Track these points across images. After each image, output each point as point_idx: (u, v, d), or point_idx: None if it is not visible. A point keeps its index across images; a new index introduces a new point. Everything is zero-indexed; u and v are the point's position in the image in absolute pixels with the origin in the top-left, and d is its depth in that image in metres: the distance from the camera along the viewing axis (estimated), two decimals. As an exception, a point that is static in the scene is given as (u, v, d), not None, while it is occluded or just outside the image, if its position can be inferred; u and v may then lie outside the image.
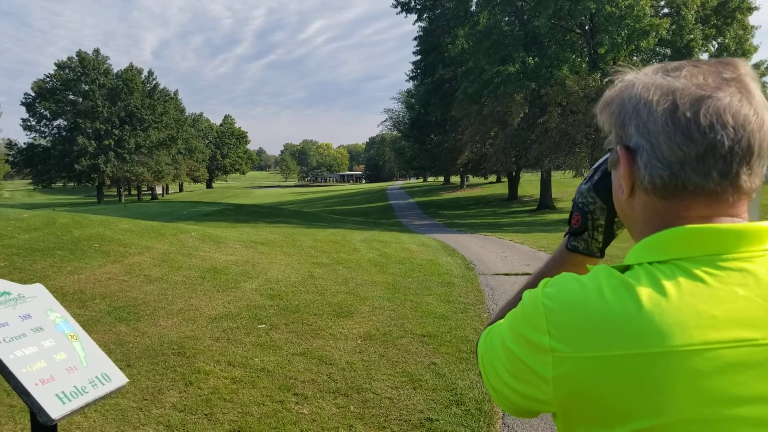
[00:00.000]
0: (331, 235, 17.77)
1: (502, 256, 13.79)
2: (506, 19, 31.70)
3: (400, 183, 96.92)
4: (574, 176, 54.63)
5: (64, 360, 1.87)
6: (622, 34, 25.82)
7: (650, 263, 0.89)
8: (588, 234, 1.18)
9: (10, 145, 64.76)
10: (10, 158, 62.39)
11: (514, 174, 44.33)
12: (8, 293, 1.91)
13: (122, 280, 7.92)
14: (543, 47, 30.07)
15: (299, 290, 8.63)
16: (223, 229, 16.26)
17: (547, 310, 0.89)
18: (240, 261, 10.46)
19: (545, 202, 37.37)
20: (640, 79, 0.94)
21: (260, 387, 4.88)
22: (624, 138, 0.94)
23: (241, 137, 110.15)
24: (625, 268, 0.92)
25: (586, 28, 29.48)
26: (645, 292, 0.84)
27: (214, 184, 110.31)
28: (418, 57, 45.28)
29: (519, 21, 30.99)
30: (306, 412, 4.44)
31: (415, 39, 44.75)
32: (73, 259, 8.57)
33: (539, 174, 41.47)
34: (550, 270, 1.25)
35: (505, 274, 11.08)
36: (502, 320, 1.05)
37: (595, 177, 1.16)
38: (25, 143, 66.00)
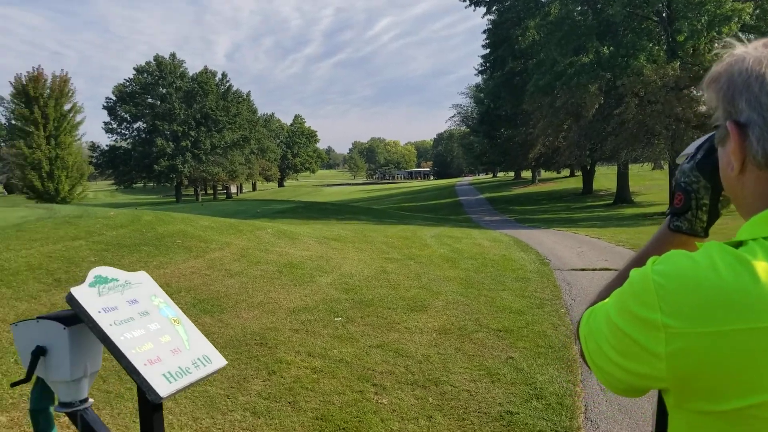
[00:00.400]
0: (402, 231, 17.85)
1: (578, 251, 13.49)
2: (578, 8, 30.88)
3: (469, 179, 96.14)
4: (653, 169, 52.92)
5: (168, 342, 1.97)
6: (702, 21, 24.68)
7: (765, 238, 0.87)
8: (692, 213, 1.16)
9: (94, 147, 68.09)
10: (94, 160, 65.57)
11: (588, 167, 43.18)
12: (117, 279, 2.03)
13: (205, 274, 8.22)
14: (618, 36, 29.11)
15: (372, 285, 8.72)
16: (297, 226, 16.60)
17: (657, 287, 0.89)
18: (314, 256, 10.66)
19: (622, 196, 36.22)
20: (749, 52, 0.92)
21: (340, 377, 4.97)
22: (733, 113, 0.92)
23: (311, 136, 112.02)
24: (738, 244, 0.90)
25: (664, 15, 28.33)
26: (762, 267, 0.83)
27: (285, 183, 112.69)
28: (487, 50, 44.72)
29: (592, 10, 30.12)
30: (385, 402, 4.50)
31: (483, 32, 44.25)
32: (158, 255, 8.96)
33: (615, 167, 40.28)
34: (651, 250, 1.23)
35: (582, 270, 10.83)
36: (604, 300, 1.05)
37: (698, 156, 1.14)
38: (107, 145, 69.28)
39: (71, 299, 1.88)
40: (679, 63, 26.33)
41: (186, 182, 69.63)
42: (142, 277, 2.18)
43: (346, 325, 6.53)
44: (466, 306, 7.70)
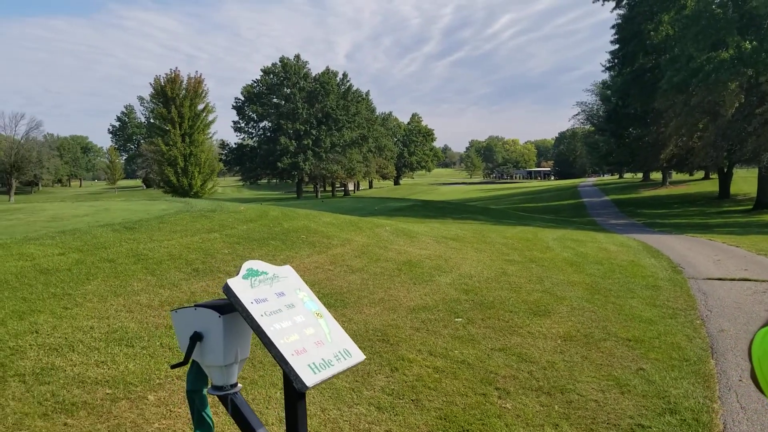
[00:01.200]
0: (521, 233, 17.49)
1: (714, 260, 12.60)
2: (717, 0, 28.80)
3: (592, 180, 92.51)
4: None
5: (312, 335, 2.04)
6: None
7: None
8: None
9: (223, 145, 72.25)
10: (223, 157, 69.53)
11: (725, 170, 40.20)
12: (266, 273, 2.13)
13: (328, 269, 8.47)
14: (762, 30, 26.85)
15: (493, 286, 8.60)
16: (414, 224, 16.73)
17: None
18: (433, 255, 10.68)
19: (764, 201, 33.41)
20: None
21: (462, 378, 4.94)
22: None
23: (428, 135, 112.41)
24: None
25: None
26: None
27: (401, 181, 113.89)
28: (616, 46, 42.76)
29: (732, 2, 27.95)
30: (509, 407, 4.42)
31: (612, 27, 42.33)
32: (285, 249, 9.34)
33: (755, 170, 37.15)
34: None
35: (719, 279, 10.10)
36: None
37: None
38: (235, 143, 73.26)
39: (227, 290, 2.00)
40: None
41: (306, 179, 72.15)
42: (287, 271, 2.28)
43: (466, 327, 6.49)
44: (593, 313, 7.41)
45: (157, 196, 36.86)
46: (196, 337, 2.08)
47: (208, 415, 2.27)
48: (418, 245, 11.62)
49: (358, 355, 2.17)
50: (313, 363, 1.93)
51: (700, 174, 55.28)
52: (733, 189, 43.00)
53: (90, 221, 10.03)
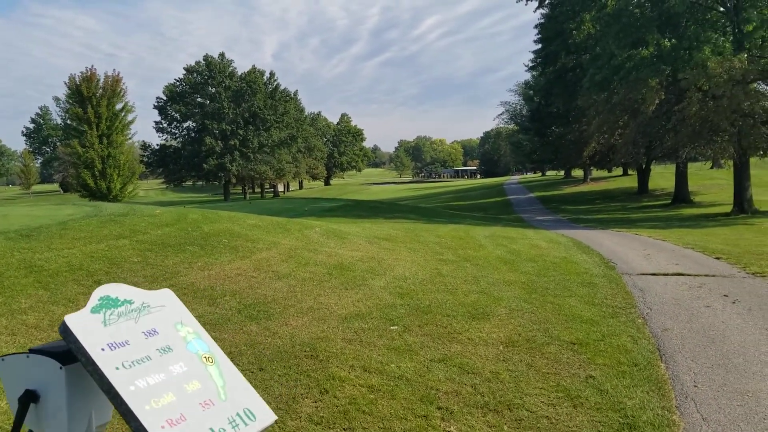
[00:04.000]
0: (453, 231, 17.20)
1: (644, 254, 12.61)
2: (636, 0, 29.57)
3: (517, 177, 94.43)
4: (711, 167, 50.71)
5: (197, 391, 1.44)
6: (773, 9, 23.26)
7: None
8: None
9: (145, 146, 69.36)
10: (145, 159, 66.69)
11: (644, 166, 41.55)
12: (130, 302, 1.50)
13: (251, 277, 7.78)
14: (680, 28, 27.72)
15: (429, 289, 8.14)
16: (345, 225, 16.14)
17: None
18: (365, 257, 10.13)
19: (681, 196, 34.65)
20: None
21: (400, 398, 4.41)
22: None
23: (357, 135, 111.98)
24: None
25: (729, 4, 26.85)
26: None
27: (331, 182, 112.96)
28: (539, 45, 43.55)
29: (651, 1, 28.77)
30: (454, 431, 3.91)
31: (535, 27, 43.09)
32: (203, 255, 8.57)
33: (671, 166, 38.54)
34: None
35: (653, 275, 10.00)
36: None
37: None
38: (157, 144, 70.49)
39: (65, 331, 1.37)
40: (746, 55, 24.89)
41: (234, 181, 70.27)
42: (165, 297, 1.65)
43: (403, 335, 5.97)
44: (532, 314, 7.04)
45: (74, 200, 34.76)
46: (29, 398, 1.44)
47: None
48: (349, 247, 11.05)
49: (265, 416, 1.58)
50: (196, 436, 1.33)
51: (619, 171, 57.10)
52: (651, 184, 44.55)
53: (-19, 229, 8.94)
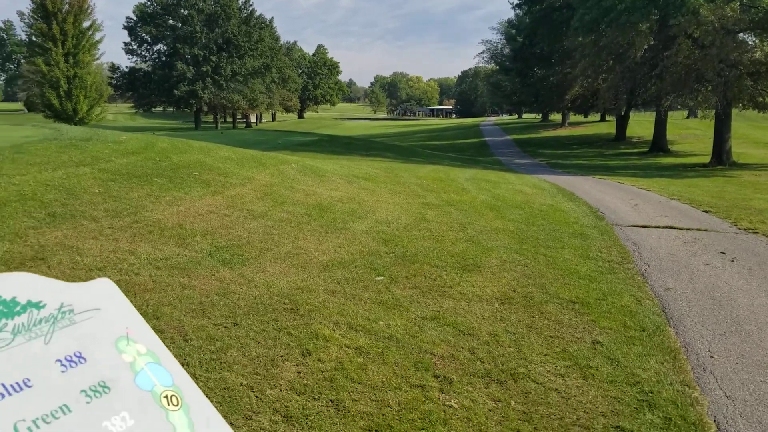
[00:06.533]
0: (433, 172, 16.65)
1: (631, 204, 12.24)
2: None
3: (492, 119, 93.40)
4: (687, 117, 50.58)
5: (152, 463, 0.87)
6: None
7: None
8: None
9: (113, 68, 66.40)
10: (113, 81, 63.97)
11: (623, 113, 41.10)
12: (37, 305, 0.90)
13: (224, 215, 7.15)
14: (673, -29, 26.76)
15: (413, 235, 7.63)
16: (321, 161, 15.45)
17: None
18: (345, 198, 9.55)
19: (659, 144, 34.38)
20: None
21: (391, 363, 3.93)
22: None
23: (333, 68, 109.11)
24: None
25: (726, -52, 25.90)
26: None
27: (305, 115, 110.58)
28: (526, -18, 42.08)
29: (646, -59, 27.61)
30: (455, 406, 3.45)
31: (523, -38, 41.48)
32: (172, 188, 7.89)
33: (647, 114, 38.12)
34: None
35: (644, 227, 9.63)
36: None
37: None
38: (127, 67, 67.54)
39: None
40: (738, 4, 24.17)
41: (206, 109, 68.16)
42: (100, 292, 1.03)
43: (390, 287, 5.47)
44: (525, 267, 6.60)
45: (37, 121, 33.22)
46: None
47: None
48: (328, 185, 10.43)
49: None
50: None
51: (597, 116, 56.67)
52: (629, 132, 44.21)
53: (-77, 150, 8.10)
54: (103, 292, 1.01)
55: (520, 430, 3.25)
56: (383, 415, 3.27)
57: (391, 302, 5.09)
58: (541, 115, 68.67)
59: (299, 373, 3.66)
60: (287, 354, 3.88)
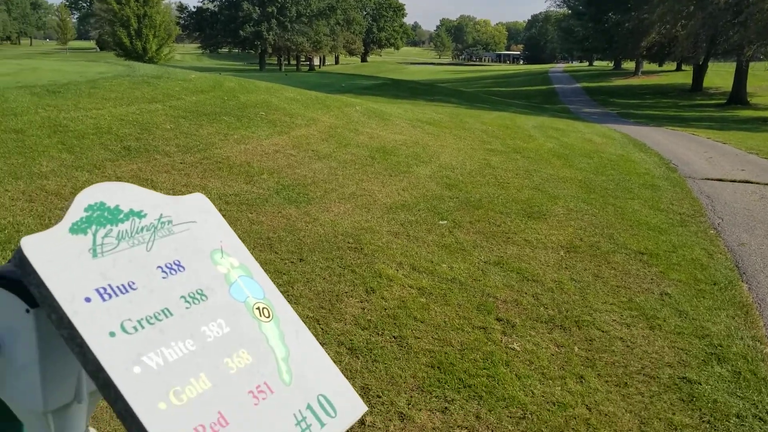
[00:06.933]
0: (499, 119, 16.29)
1: (706, 157, 11.72)
2: None
3: (562, 66, 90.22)
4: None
5: (246, 371, 0.89)
6: None
7: None
8: None
9: (181, 8, 67.03)
10: (181, 21, 64.67)
11: (701, 62, 38.89)
12: (139, 214, 0.93)
13: (290, 155, 7.24)
14: None
15: (478, 181, 7.54)
16: (385, 105, 15.33)
17: None
18: (409, 141, 9.49)
19: (738, 96, 32.53)
20: None
21: (454, 304, 3.95)
22: None
23: (398, 10, 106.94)
24: None
25: None
26: None
27: (368, 58, 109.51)
28: None
29: None
30: (518, 349, 3.46)
31: None
32: (239, 127, 8.00)
33: (727, 64, 35.92)
34: None
35: (719, 180, 9.23)
36: None
37: None
38: (194, 7, 68.06)
39: (23, 265, 0.82)
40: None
41: (270, 51, 68.30)
42: (195, 205, 1.06)
43: (453, 231, 5.45)
44: (593, 216, 6.45)
45: (109, 59, 34.11)
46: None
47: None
48: (392, 129, 10.37)
49: (351, 409, 1.00)
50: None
51: (672, 65, 53.91)
52: (706, 82, 41.96)
53: (8, 82, 8.43)
54: (199, 206, 1.04)
55: (583, 376, 3.23)
56: (445, 353, 3.31)
57: (455, 246, 5.08)
58: (613, 62, 65.77)
59: (363, 309, 3.72)
60: (351, 290, 3.95)
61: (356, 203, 5.87)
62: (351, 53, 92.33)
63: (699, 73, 40.55)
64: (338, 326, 3.48)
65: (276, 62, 74.25)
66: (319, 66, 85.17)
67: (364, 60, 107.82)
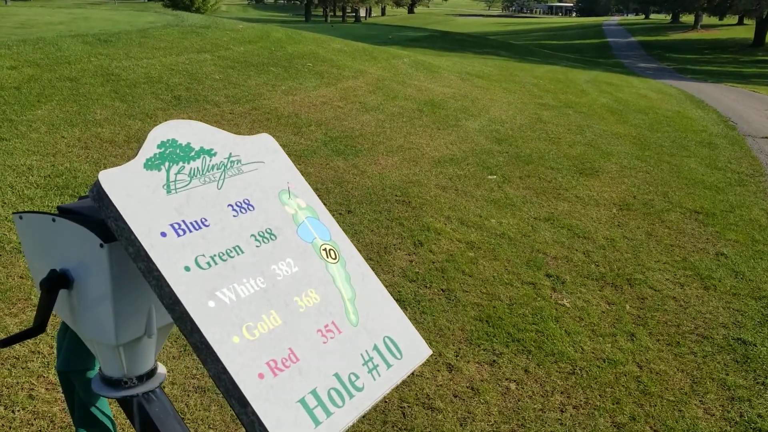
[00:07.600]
0: (550, 72, 15.85)
1: (766, 115, 11.22)
2: None
3: (616, 18, 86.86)
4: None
5: (314, 309, 0.90)
6: None
7: None
8: None
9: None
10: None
11: (765, 16, 36.87)
12: (209, 152, 0.93)
13: (337, 107, 7.20)
14: None
15: (528, 136, 7.39)
16: (433, 57, 15.07)
17: None
18: (457, 95, 9.33)
19: (805, 52, 30.87)
20: None
21: (503, 259, 3.92)
22: None
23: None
24: None
25: None
26: None
27: (415, 10, 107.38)
28: None
29: None
30: (567, 305, 3.42)
31: None
32: (287, 78, 7.99)
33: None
34: None
35: (782, 139, 8.83)
36: None
37: None
38: (242, -43, 67.65)
39: (100, 198, 0.83)
40: None
41: (316, 1, 67.62)
42: (263, 146, 1.06)
43: (502, 186, 5.38)
44: (647, 174, 6.27)
45: (157, 9, 34.30)
46: (56, 283, 0.95)
47: (102, 412, 1.22)
48: (440, 82, 10.20)
49: (415, 351, 1.00)
50: (314, 391, 0.82)
51: (733, 19, 51.30)
52: (770, 37, 39.90)
53: (61, 30, 8.57)
54: (266, 146, 1.03)
55: (634, 334, 3.19)
56: (494, 307, 3.30)
57: (504, 201, 5.02)
58: (671, 15, 62.97)
59: (411, 261, 3.73)
60: (399, 243, 3.95)
61: (404, 156, 5.83)
62: (398, 4, 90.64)
63: (762, 27, 38.49)
64: (386, 278, 3.50)
65: (321, 14, 73.47)
66: (365, 17, 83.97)
67: (411, 11, 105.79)
